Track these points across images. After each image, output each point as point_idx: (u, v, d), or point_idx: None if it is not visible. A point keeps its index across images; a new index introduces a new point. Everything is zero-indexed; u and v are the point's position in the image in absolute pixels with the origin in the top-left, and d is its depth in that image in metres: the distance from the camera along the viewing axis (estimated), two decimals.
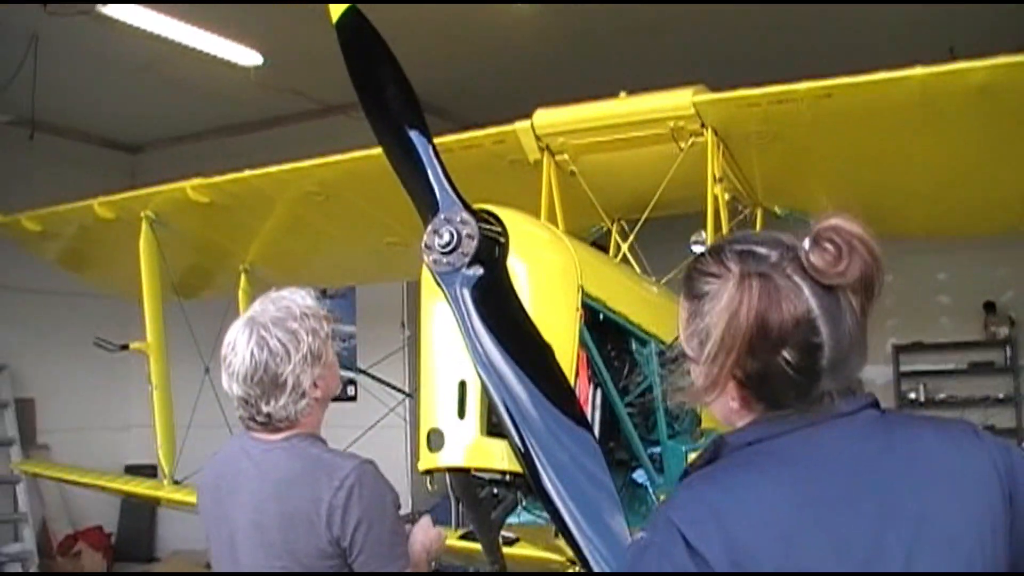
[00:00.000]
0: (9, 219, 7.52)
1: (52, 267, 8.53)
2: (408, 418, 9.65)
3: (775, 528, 1.51)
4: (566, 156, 4.97)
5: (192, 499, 6.58)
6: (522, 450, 2.99)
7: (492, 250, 3.30)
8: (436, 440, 3.33)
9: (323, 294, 12.01)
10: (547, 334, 3.39)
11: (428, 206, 3.36)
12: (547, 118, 4.87)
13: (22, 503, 11.04)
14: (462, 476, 3.35)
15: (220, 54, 8.97)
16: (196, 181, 6.34)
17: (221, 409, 7.20)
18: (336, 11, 3.80)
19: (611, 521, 2.91)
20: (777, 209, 5.41)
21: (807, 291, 1.59)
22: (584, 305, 3.57)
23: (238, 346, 2.85)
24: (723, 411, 1.71)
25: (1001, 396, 13.28)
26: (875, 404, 1.70)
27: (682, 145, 4.68)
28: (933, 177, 5.19)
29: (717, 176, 4.66)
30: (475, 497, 3.40)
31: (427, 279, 3.34)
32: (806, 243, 1.63)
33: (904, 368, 13.73)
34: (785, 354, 1.58)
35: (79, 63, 9.60)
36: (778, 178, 5.20)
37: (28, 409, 11.48)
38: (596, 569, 2.80)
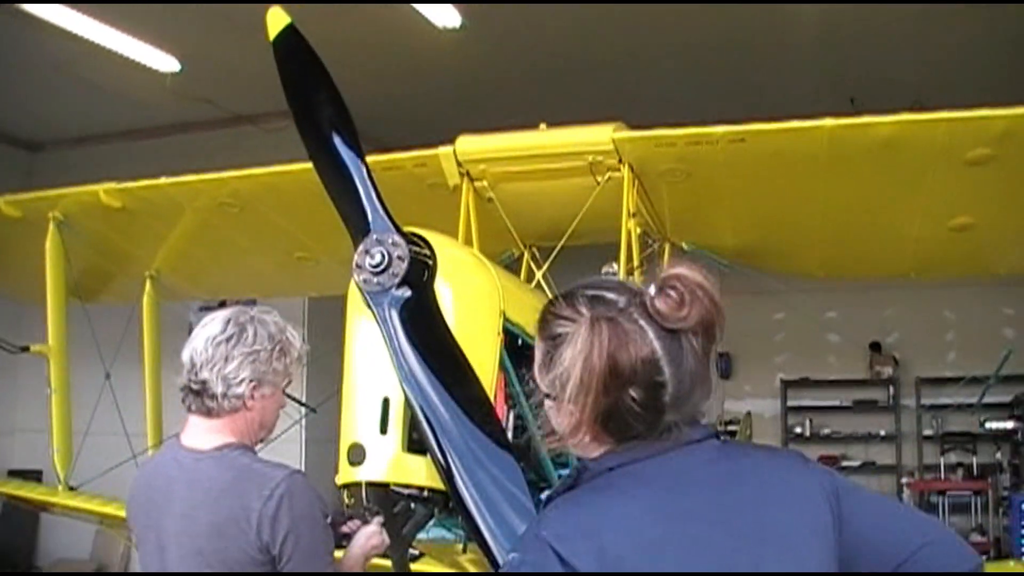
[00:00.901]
0: None
1: None
2: (303, 433, 9.64)
3: (640, 538, 1.64)
4: (485, 183, 5.08)
5: (88, 506, 6.54)
6: (444, 466, 3.09)
7: (421, 272, 3.40)
8: (357, 454, 3.41)
9: (221, 305, 11.98)
10: (470, 356, 3.49)
11: (359, 226, 3.46)
12: (470, 145, 4.98)
13: None
14: (381, 491, 3.42)
15: (138, 58, 8.89)
16: (109, 185, 6.27)
17: (120, 416, 7.21)
18: (274, 28, 3.85)
19: None
20: (684, 244, 5.60)
21: (651, 334, 1.71)
22: (504, 330, 3.68)
23: (215, 317, 2.95)
24: (579, 445, 1.82)
25: (883, 433, 13.80)
26: (716, 435, 1.83)
27: (599, 179, 4.82)
28: (833, 222, 5.45)
29: (631, 211, 4.82)
30: (390, 512, 3.48)
31: (355, 297, 3.42)
32: (652, 289, 1.77)
33: (791, 403, 14.17)
34: (632, 392, 1.70)
35: None
36: (687, 215, 5.39)
37: None
38: None
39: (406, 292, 3.33)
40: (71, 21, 8.23)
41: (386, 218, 3.43)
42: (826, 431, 14.02)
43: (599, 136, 4.72)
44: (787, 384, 14.12)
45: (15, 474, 10.70)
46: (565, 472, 4.06)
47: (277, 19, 3.86)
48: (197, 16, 8.18)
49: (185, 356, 3.00)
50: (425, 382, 3.19)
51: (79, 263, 6.90)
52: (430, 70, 9.44)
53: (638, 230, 5.19)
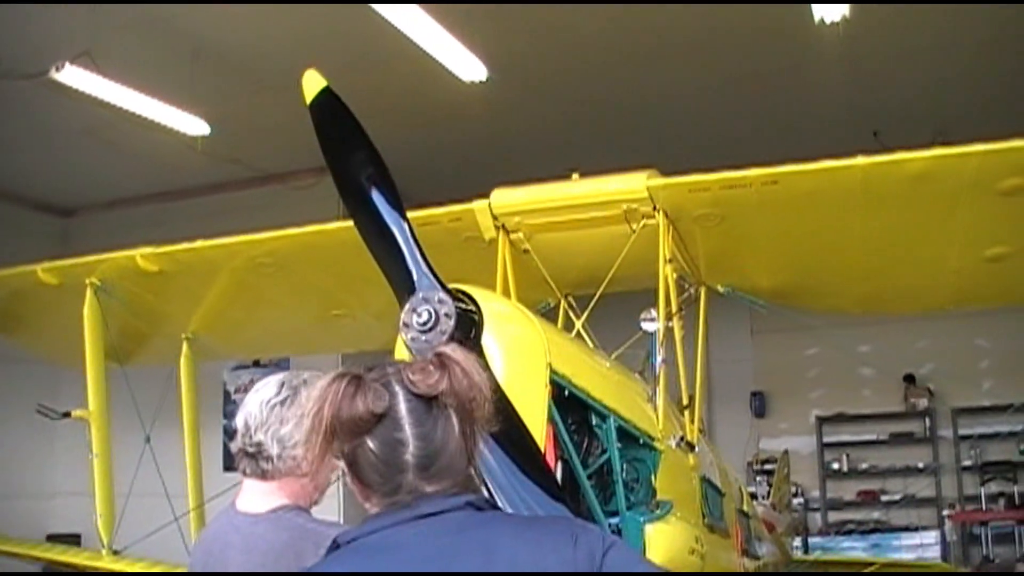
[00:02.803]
0: None
1: None
2: (340, 488, 9.62)
3: None
4: (520, 235, 5.12)
5: (132, 569, 6.55)
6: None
7: (468, 328, 3.42)
8: None
9: (255, 364, 12.01)
10: (520, 409, 3.50)
11: (404, 285, 3.47)
12: (504, 198, 5.02)
13: None
14: None
15: (168, 122, 9.02)
16: (147, 250, 6.35)
17: (160, 478, 7.24)
18: (310, 91, 3.88)
19: None
20: (720, 287, 5.61)
21: (401, 397, 1.86)
22: (551, 381, 3.70)
23: (270, 381, 2.98)
24: (357, 496, 1.95)
25: (921, 466, 13.65)
26: (474, 503, 1.90)
27: (634, 226, 4.85)
28: (870, 259, 5.45)
29: (668, 257, 4.84)
30: None
31: (402, 356, 3.43)
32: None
33: (827, 439, 14.06)
34: (370, 443, 1.85)
35: (18, 125, 9.58)
36: (722, 258, 5.39)
37: None
38: None
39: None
40: (101, 88, 8.37)
41: (431, 276, 3.45)
42: (864, 466, 13.91)
43: (633, 184, 4.75)
44: (822, 420, 14.03)
45: (54, 538, 10.71)
46: (615, 521, 4.07)
47: (313, 82, 3.88)
48: (225, 78, 8.31)
49: (239, 421, 3.02)
50: None
51: (117, 327, 6.96)
52: (459, 123, 9.55)
53: (674, 275, 5.22)
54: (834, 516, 13.93)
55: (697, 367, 5.38)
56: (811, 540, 12.82)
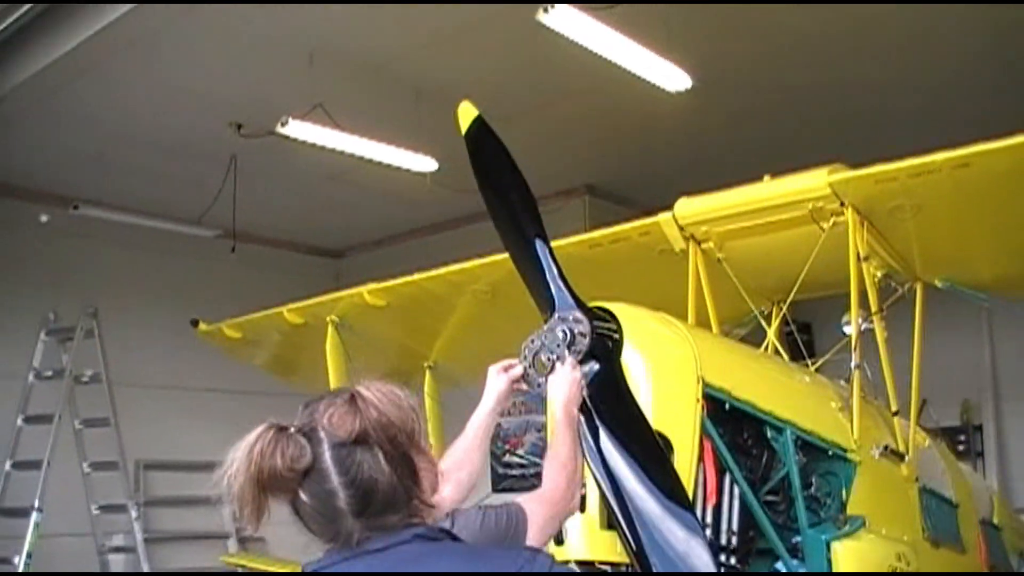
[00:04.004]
0: (211, 327, 8.05)
1: (254, 369, 8.99)
2: None
3: None
4: (711, 244, 4.98)
5: None
6: (634, 549, 3.02)
7: (605, 347, 3.37)
8: (559, 534, 3.43)
9: None
10: (666, 425, 3.42)
11: (547, 305, 3.48)
12: (688, 208, 4.90)
13: None
14: (587, 566, 3.41)
15: (398, 163, 9.42)
16: (371, 286, 6.64)
17: None
18: (465, 121, 3.99)
19: None
20: (938, 282, 5.21)
21: (326, 444, 1.85)
22: (706, 395, 3.58)
23: None
24: None
25: None
26: (423, 535, 1.90)
27: (824, 225, 4.61)
28: None
29: (862, 254, 4.56)
30: None
31: None
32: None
33: None
34: (303, 495, 1.86)
35: (273, 177, 10.34)
36: (932, 250, 4.99)
37: None
38: None
39: (593, 367, 3.31)
40: (327, 138, 8.93)
41: (568, 295, 3.43)
42: None
43: (815, 181, 4.51)
44: None
45: None
46: (798, 539, 3.88)
47: (467, 112, 4.00)
48: (448, 114, 8.59)
49: None
50: (613, 457, 3.15)
51: (360, 359, 7.31)
52: (666, 133, 9.44)
53: (879, 273, 4.92)
54: None
55: (914, 369, 5.02)
56: None
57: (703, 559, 3.00)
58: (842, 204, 4.53)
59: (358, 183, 10.27)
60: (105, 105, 8.99)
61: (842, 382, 4.73)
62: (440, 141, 8.29)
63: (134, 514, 10.29)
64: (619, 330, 3.44)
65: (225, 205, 10.18)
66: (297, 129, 8.52)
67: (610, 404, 3.27)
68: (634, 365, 3.44)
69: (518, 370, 3.31)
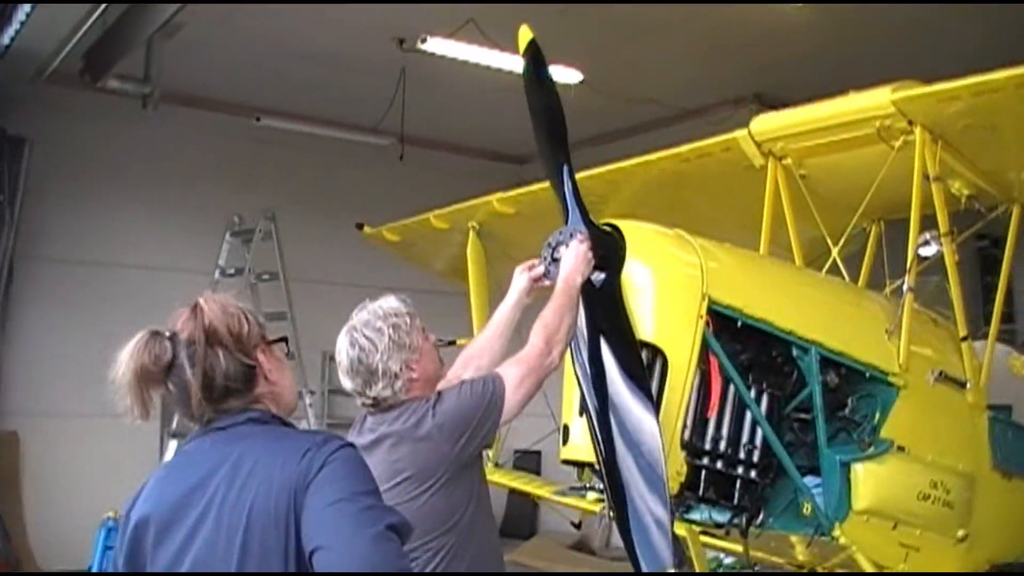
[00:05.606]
0: (374, 231, 8.52)
1: (410, 268, 9.39)
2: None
3: (143, 506, 2.25)
4: (789, 160, 4.96)
5: (503, 480, 7.20)
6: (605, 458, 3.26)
7: (607, 255, 3.55)
8: (565, 435, 3.69)
9: None
10: (663, 339, 3.58)
11: (564, 218, 3.71)
12: (762, 125, 4.90)
13: None
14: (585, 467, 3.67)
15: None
16: (499, 195, 6.89)
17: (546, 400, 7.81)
18: (522, 42, 4.16)
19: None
20: None
21: (183, 346, 2.26)
22: (714, 312, 3.68)
23: (340, 348, 3.33)
24: None
25: None
26: (255, 419, 2.28)
27: (893, 144, 4.53)
28: None
29: (932, 175, 4.46)
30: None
31: None
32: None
33: None
34: (170, 386, 2.28)
35: (451, 88, 10.68)
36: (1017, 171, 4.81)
37: None
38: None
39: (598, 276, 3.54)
40: (467, 53, 9.20)
41: (578, 213, 3.61)
42: None
43: (878, 100, 4.43)
44: None
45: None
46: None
47: (525, 36, 4.16)
48: (591, 29, 8.65)
49: (346, 387, 3.38)
50: (586, 355, 3.38)
51: (500, 263, 7.61)
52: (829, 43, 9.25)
53: (965, 192, 4.80)
54: None
55: (999, 293, 4.88)
56: None
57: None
58: (910, 123, 4.43)
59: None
60: (282, 26, 9.54)
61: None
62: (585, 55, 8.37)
63: (308, 401, 11.00)
64: (622, 241, 3.60)
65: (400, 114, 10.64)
66: (442, 46, 8.74)
67: (598, 309, 3.48)
68: (637, 279, 3.59)
69: (539, 269, 3.65)
